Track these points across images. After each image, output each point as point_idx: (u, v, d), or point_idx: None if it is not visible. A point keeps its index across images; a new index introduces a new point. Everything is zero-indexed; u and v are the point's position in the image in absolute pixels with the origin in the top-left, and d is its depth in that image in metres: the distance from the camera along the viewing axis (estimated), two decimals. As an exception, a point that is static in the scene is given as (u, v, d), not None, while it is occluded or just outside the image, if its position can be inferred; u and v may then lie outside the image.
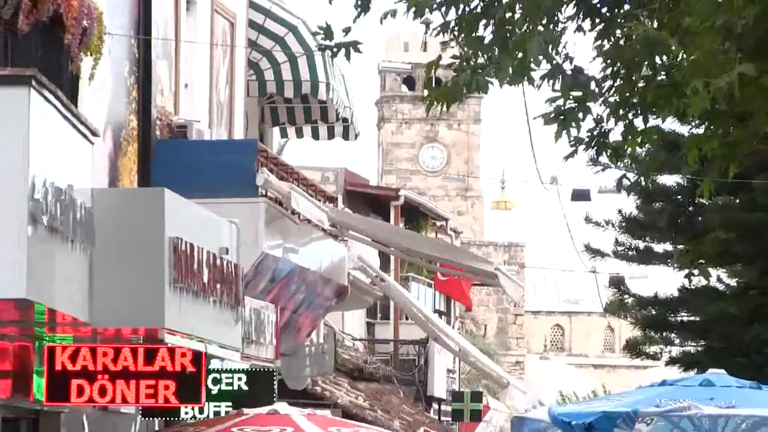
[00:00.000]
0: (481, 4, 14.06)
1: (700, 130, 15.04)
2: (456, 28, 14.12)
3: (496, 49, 13.69)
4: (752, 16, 11.34)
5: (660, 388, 19.19)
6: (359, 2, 14.63)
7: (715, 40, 12.01)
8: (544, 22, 13.84)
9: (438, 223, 48.64)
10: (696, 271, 34.61)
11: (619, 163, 25.68)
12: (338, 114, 28.86)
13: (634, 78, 14.66)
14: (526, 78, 13.98)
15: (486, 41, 13.80)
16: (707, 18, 11.80)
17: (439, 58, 14.22)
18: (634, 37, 14.05)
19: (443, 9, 14.00)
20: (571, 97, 13.99)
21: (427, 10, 14.08)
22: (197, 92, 25.02)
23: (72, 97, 16.22)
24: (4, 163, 14.26)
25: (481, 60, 13.81)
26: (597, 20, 14.20)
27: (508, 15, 13.87)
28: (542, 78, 14.04)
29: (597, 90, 14.43)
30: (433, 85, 14.92)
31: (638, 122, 15.00)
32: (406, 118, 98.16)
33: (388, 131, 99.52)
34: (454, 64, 13.95)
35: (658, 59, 13.74)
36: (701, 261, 34.41)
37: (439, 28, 14.15)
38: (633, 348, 37.53)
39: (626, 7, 14.02)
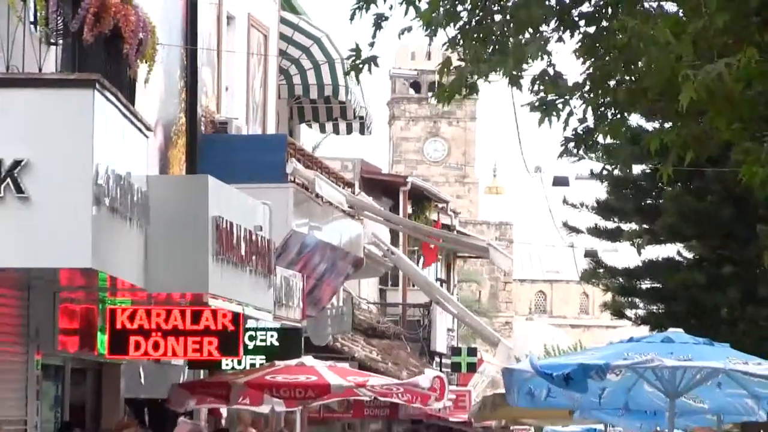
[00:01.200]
0: (479, 18, 14.16)
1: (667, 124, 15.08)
2: (460, 41, 14.22)
3: (493, 54, 13.76)
4: (721, 23, 11.23)
5: (628, 344, 19.06)
6: (375, 21, 14.70)
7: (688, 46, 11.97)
8: (530, 32, 13.96)
9: (439, 205, 48.58)
10: (644, 245, 35.13)
11: (593, 155, 25.88)
12: (355, 112, 28.99)
13: (608, 83, 14.71)
14: (513, 81, 14.10)
15: (484, 50, 13.93)
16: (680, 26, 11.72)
17: (449, 60, 14.30)
18: (618, 35, 13.99)
19: (450, 24, 14.10)
20: (553, 92, 14.10)
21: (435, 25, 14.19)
22: (236, 94, 25.17)
23: (130, 98, 16.22)
24: (72, 154, 14.32)
25: (480, 64, 13.93)
26: (577, 32, 14.26)
27: (502, 30, 13.99)
28: (531, 81, 14.14)
29: (576, 91, 14.52)
30: (436, 86, 15.07)
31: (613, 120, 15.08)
32: (413, 116, 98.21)
33: (398, 127, 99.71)
34: (458, 67, 13.93)
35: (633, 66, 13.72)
36: (661, 238, 34.78)
37: (447, 44, 14.27)
38: (613, 309, 37.71)
39: (604, 23, 13.91)
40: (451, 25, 14.14)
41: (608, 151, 26.48)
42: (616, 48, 13.88)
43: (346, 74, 25.69)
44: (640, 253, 35.55)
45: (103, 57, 15.48)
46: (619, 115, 14.91)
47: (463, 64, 14.06)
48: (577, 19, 14.23)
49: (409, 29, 14.46)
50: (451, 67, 14.45)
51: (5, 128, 14.32)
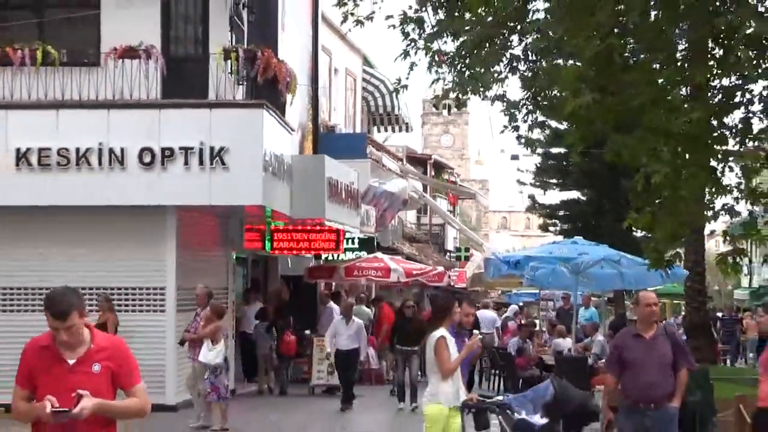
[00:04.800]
0: (460, 61, 14.62)
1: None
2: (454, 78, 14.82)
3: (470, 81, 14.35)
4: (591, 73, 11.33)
5: (552, 245, 19.51)
6: (410, 66, 15.26)
7: (576, 81, 12.60)
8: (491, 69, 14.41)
9: (448, 170, 48.20)
10: (560, 190, 36.17)
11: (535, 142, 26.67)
12: (403, 120, 29.00)
13: (538, 100, 15.17)
14: (483, 98, 14.67)
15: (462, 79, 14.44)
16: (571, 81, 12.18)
17: (447, 93, 14.92)
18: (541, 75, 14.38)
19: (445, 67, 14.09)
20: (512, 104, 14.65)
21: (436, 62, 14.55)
22: (339, 111, 25.20)
23: (282, 113, 16.38)
24: (252, 145, 14.84)
25: (461, 87, 14.52)
26: (522, 66, 14.78)
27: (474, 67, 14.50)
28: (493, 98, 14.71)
29: (521, 105, 15.03)
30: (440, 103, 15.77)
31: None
32: (434, 123, 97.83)
33: (426, 128, 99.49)
34: (449, 90, 14.69)
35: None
36: (570, 187, 35.49)
37: (444, 80, 14.84)
38: (544, 226, 38.50)
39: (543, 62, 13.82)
40: (445, 67, 14.74)
41: (540, 142, 27.64)
42: (542, 81, 14.42)
43: (393, 93, 26.32)
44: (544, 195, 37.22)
45: (268, 91, 15.65)
46: (546, 119, 15.24)
47: (454, 87, 14.76)
48: (515, 63, 14.73)
49: (436, 80, 15.06)
50: (448, 92, 15.01)
51: (216, 130, 14.84)
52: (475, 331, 9.37)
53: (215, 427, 13.20)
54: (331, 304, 20.46)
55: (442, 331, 8.58)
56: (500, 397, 9.28)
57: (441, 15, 13.57)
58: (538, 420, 8.46)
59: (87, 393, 4.47)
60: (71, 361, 4.60)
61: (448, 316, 8.81)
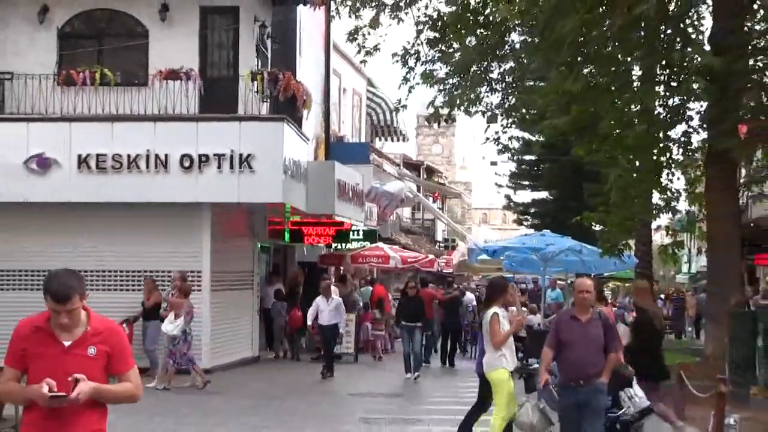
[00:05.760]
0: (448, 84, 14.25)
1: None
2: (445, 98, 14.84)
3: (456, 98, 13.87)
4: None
5: (524, 237, 19.72)
6: (408, 89, 15.21)
7: (551, 104, 12.58)
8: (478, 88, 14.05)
9: (438, 174, 48.36)
10: (531, 191, 36.11)
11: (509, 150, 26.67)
12: (401, 132, 28.83)
13: (515, 114, 15.16)
14: (467, 113, 14.41)
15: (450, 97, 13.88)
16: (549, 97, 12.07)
17: (437, 111, 14.88)
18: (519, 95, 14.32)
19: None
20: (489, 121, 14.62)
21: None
22: (346, 124, 25.07)
23: (299, 125, 16.21)
24: (274, 152, 14.66)
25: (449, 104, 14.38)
26: (500, 87, 14.79)
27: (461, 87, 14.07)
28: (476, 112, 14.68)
29: (500, 117, 14.99)
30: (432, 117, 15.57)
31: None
32: (427, 134, 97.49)
33: (420, 139, 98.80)
34: (440, 107, 14.31)
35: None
36: (540, 188, 35.41)
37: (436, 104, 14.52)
38: (518, 221, 38.47)
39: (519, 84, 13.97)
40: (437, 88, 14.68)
41: (510, 148, 27.55)
42: (519, 101, 14.42)
43: (393, 111, 26.26)
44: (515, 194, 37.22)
45: (288, 107, 15.50)
46: (521, 132, 15.07)
47: (444, 105, 14.75)
48: (495, 85, 14.71)
49: (431, 104, 14.91)
50: (438, 109, 14.97)
51: (244, 139, 14.68)
52: (512, 309, 8.96)
53: (159, 387, 12.94)
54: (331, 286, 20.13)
55: (496, 309, 8.41)
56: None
57: (433, 51, 13.69)
58: None
59: (83, 377, 3.77)
60: (67, 343, 3.85)
61: (502, 296, 8.61)
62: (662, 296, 32.61)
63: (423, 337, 16.15)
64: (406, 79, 14.88)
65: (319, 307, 15.24)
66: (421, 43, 14.08)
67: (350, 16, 16.00)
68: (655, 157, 12.88)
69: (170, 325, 13.23)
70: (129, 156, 14.81)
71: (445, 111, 14.69)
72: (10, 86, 15.22)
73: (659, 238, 23.54)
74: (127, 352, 4.02)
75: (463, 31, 13.77)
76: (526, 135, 23.24)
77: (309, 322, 15.63)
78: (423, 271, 25.43)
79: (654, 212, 14.07)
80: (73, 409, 3.78)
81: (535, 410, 8.04)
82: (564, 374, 7.02)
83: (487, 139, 15.00)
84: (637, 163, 12.96)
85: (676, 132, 13.56)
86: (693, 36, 12.19)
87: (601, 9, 10.98)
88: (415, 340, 15.33)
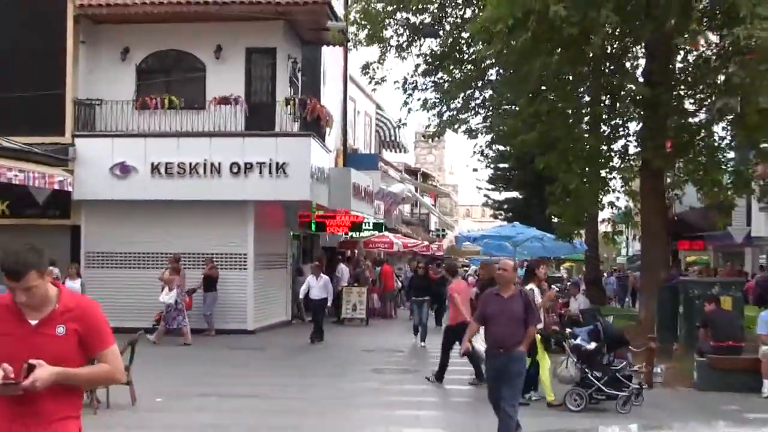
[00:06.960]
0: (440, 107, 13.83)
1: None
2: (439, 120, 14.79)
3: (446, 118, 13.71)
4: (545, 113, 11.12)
5: (499, 228, 19.76)
6: (407, 110, 15.11)
7: (521, 123, 12.23)
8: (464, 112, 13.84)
9: (432, 178, 48.04)
10: (507, 191, 35.41)
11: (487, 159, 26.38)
12: (402, 145, 28.45)
13: (496, 130, 15.04)
14: (454, 131, 14.35)
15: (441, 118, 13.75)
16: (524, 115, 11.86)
17: (435, 132, 14.79)
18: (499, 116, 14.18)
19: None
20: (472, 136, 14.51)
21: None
22: (360, 139, 24.66)
23: (323, 140, 16.04)
24: (302, 160, 14.48)
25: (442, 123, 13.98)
26: (482, 111, 14.79)
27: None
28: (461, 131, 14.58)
29: (482, 131, 14.91)
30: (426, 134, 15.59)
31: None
32: (424, 146, 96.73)
33: (418, 150, 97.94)
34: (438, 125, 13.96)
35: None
36: (511, 189, 34.93)
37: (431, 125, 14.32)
38: (494, 214, 38.18)
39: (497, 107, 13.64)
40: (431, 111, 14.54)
41: (495, 158, 27.29)
42: (496, 121, 14.38)
43: (396, 128, 25.99)
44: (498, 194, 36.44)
45: (314, 126, 15.25)
46: (499, 145, 14.89)
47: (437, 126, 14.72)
48: (478, 110, 14.66)
49: (427, 126, 14.75)
50: (429, 128, 14.89)
51: (281, 151, 14.60)
52: (537, 286, 8.49)
53: (154, 340, 13.04)
54: (341, 265, 19.46)
55: (531, 285, 8.16)
56: (568, 330, 8.92)
57: (428, 81, 13.77)
58: (590, 345, 8.32)
59: (41, 362, 2.74)
60: (33, 322, 2.84)
61: (536, 274, 8.33)
62: (610, 272, 32.61)
63: (429, 309, 15.54)
64: (406, 103, 14.87)
65: (309, 284, 14.59)
66: (418, 74, 14.15)
67: (365, 45, 15.39)
68: (601, 166, 13.04)
69: (165, 296, 13.31)
70: (190, 164, 14.94)
71: (436, 130, 14.60)
72: (99, 110, 15.44)
73: (603, 228, 23.59)
74: (103, 330, 2.90)
75: (451, 67, 13.83)
76: (501, 147, 23.15)
77: (301, 296, 14.97)
78: (419, 254, 25.28)
79: (599, 207, 14.23)
80: (36, 395, 2.76)
81: (572, 365, 8.06)
82: (488, 343, 6.59)
83: (474, 152, 14.81)
84: (587, 170, 13.13)
85: (618, 145, 13.73)
86: (630, 70, 12.36)
87: (558, 50, 11.12)
88: (423, 312, 14.52)
